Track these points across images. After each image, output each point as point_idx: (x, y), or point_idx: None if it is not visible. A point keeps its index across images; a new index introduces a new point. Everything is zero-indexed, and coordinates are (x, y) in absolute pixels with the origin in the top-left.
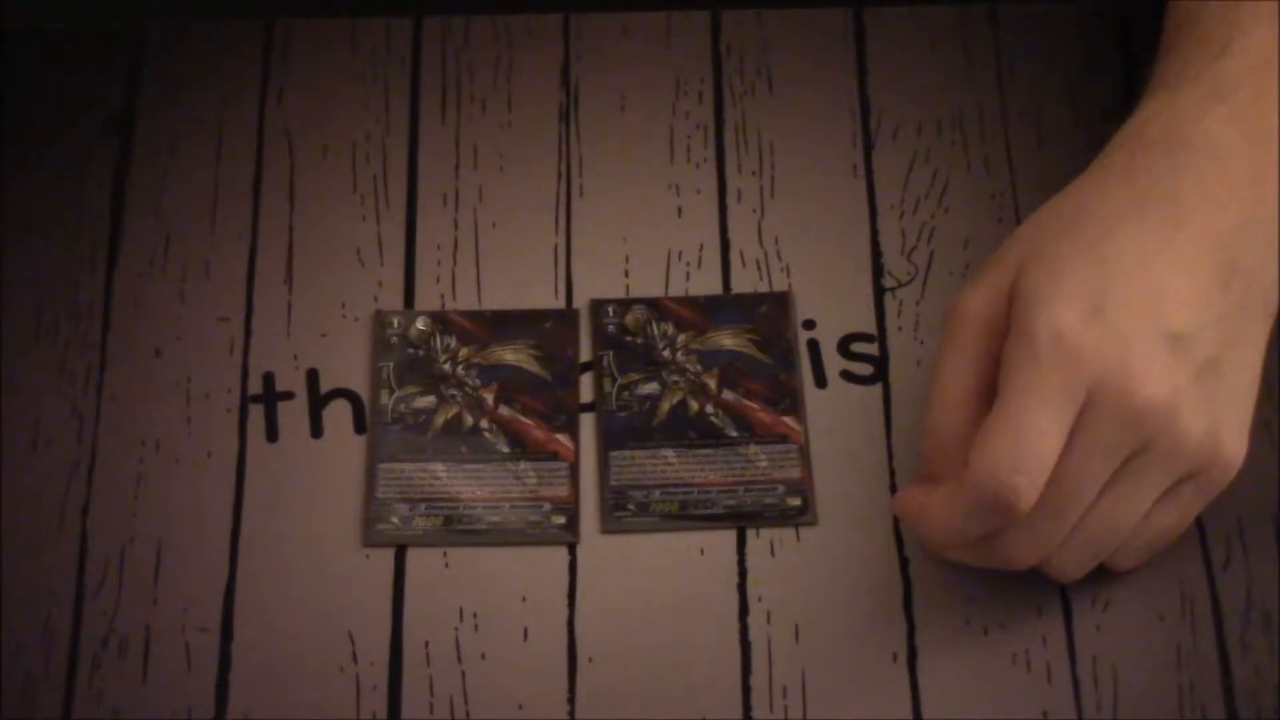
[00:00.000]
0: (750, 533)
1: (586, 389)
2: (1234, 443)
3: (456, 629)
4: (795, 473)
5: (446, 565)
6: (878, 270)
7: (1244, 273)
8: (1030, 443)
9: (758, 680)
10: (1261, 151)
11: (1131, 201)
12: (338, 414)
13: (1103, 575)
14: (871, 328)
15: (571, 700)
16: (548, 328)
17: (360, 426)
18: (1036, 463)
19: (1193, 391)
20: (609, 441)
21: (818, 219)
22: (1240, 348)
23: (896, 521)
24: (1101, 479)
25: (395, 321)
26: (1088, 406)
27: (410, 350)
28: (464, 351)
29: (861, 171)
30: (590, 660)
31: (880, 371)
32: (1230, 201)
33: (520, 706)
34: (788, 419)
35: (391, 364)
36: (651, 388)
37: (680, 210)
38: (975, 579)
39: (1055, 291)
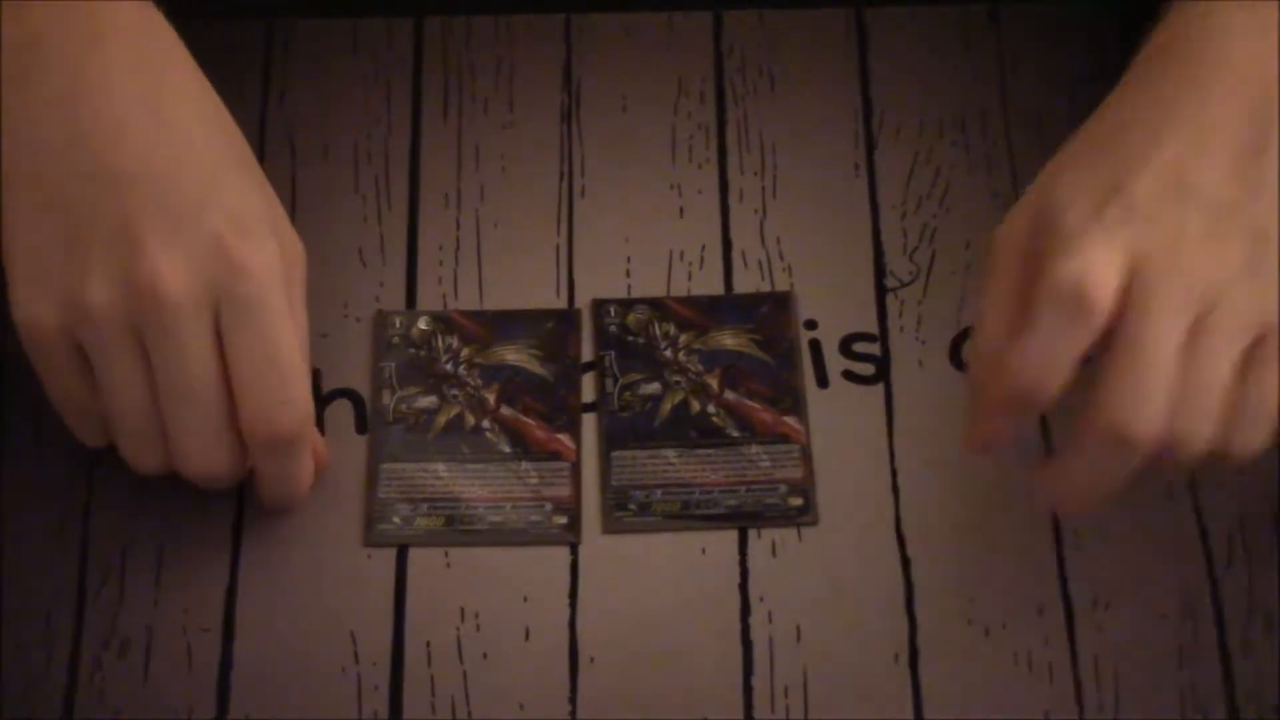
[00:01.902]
0: (752, 533)
1: (588, 389)
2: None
3: (458, 629)
4: (797, 473)
5: (448, 565)
6: (879, 270)
7: (1276, 136)
8: (1087, 256)
9: (759, 680)
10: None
11: (1147, 95)
12: (339, 414)
13: (1103, 575)
14: (873, 328)
15: (573, 700)
16: (549, 328)
17: (362, 427)
18: (1097, 268)
19: (1238, 252)
20: (611, 441)
21: (819, 219)
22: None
23: (898, 521)
24: (1174, 335)
25: (397, 321)
26: (1138, 272)
27: (412, 350)
28: (466, 351)
29: (863, 171)
30: (592, 660)
31: (882, 371)
32: (1255, 77)
33: (522, 706)
34: (789, 419)
35: (393, 364)
36: (653, 388)
37: (682, 210)
38: (976, 579)
39: (1074, 188)
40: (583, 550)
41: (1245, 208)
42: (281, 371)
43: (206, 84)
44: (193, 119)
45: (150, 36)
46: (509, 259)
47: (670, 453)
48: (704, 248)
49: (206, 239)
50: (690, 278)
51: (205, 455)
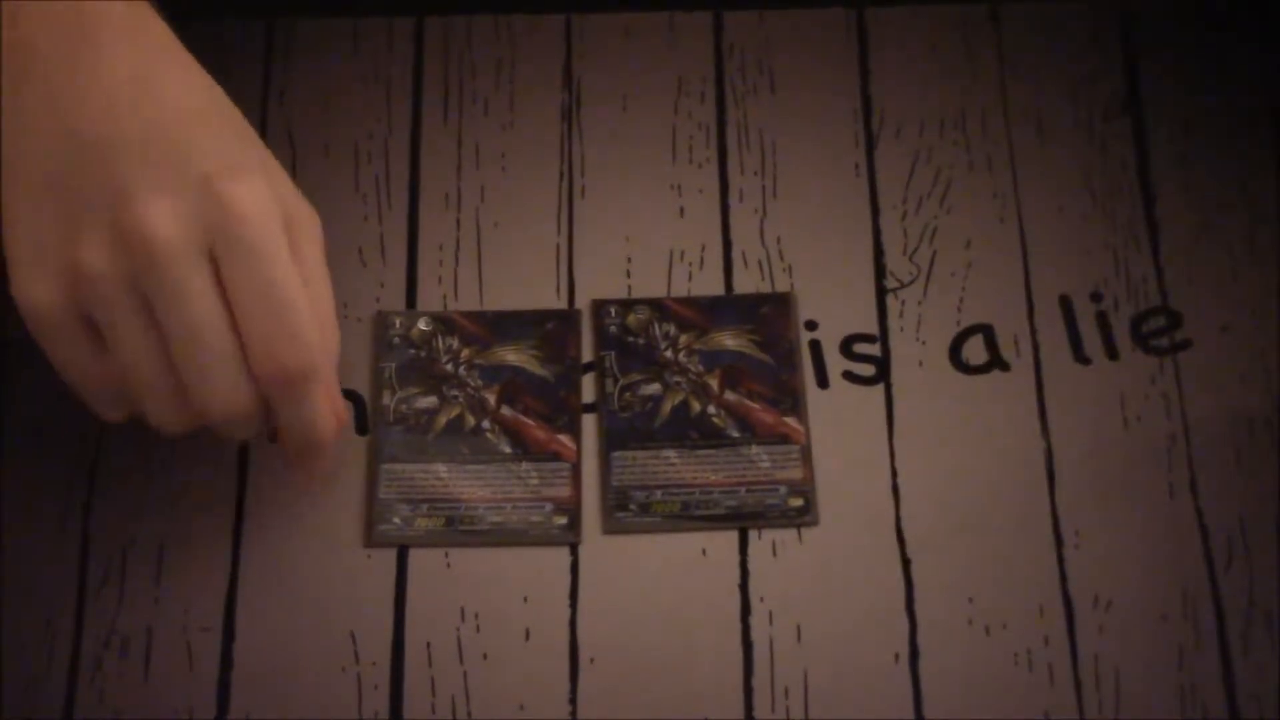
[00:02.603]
0: (752, 533)
1: (588, 389)
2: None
3: (458, 629)
4: (797, 473)
5: (448, 565)
6: (880, 270)
7: None
8: None
9: (760, 680)
10: None
11: None
12: None
13: (1103, 575)
14: (873, 328)
15: (573, 700)
16: (550, 328)
17: (362, 427)
18: None
19: None
20: (611, 442)
21: (820, 219)
22: None
23: (898, 521)
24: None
25: (397, 322)
26: None
27: (412, 351)
28: (466, 352)
29: (863, 171)
30: (592, 660)
31: (882, 372)
32: None
33: (522, 707)
34: (789, 419)
35: (393, 365)
36: (653, 388)
37: (682, 210)
38: (977, 579)
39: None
40: (583, 550)
41: None
42: (282, 307)
43: (204, 73)
44: (183, 92)
45: (142, 31)
46: (509, 259)
47: (670, 453)
48: (704, 248)
49: (195, 181)
50: (690, 278)
51: (224, 398)
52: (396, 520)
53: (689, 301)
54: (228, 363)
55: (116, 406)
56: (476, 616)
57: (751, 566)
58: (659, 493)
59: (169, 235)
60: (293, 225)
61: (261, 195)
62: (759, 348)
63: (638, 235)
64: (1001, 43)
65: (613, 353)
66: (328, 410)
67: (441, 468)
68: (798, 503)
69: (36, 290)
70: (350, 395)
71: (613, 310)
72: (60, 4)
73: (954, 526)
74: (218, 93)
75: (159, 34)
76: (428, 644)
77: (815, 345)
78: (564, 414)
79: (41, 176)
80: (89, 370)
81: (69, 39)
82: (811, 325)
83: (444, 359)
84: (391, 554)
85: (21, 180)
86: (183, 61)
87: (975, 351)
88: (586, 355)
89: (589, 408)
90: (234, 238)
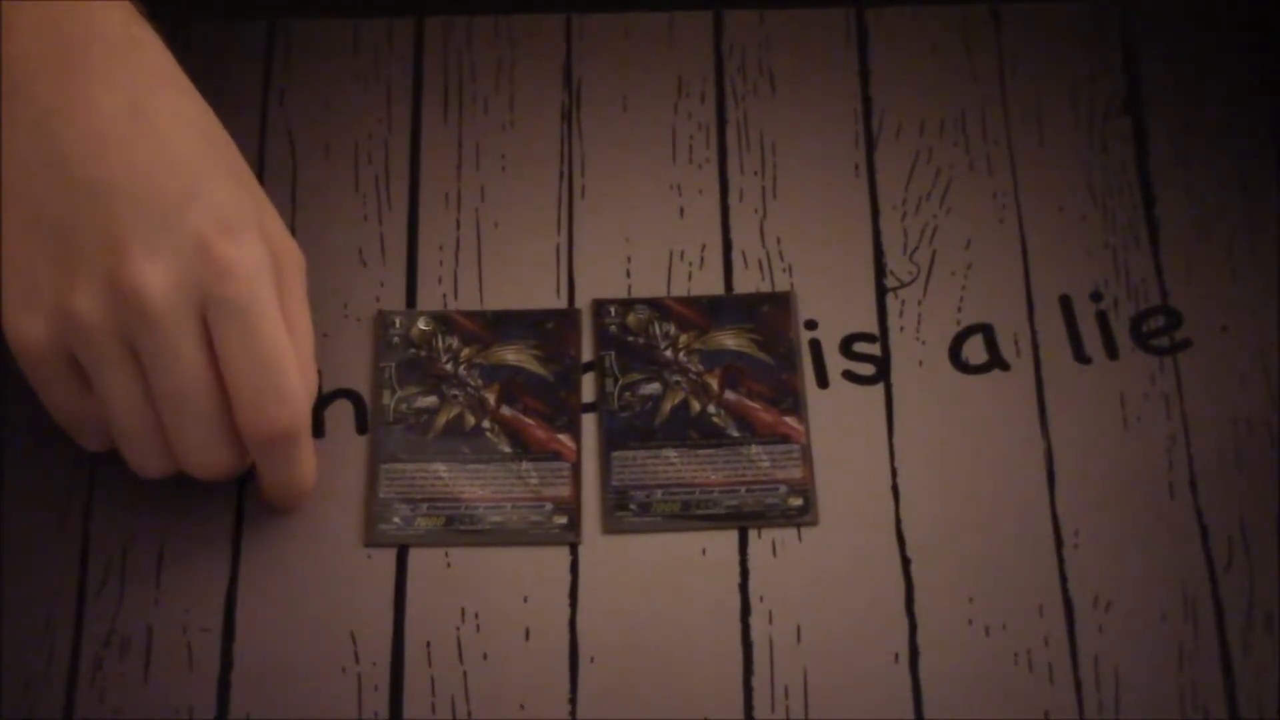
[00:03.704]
0: (752, 533)
1: (588, 389)
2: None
3: (458, 629)
4: (797, 473)
5: (448, 565)
6: (880, 270)
7: None
8: None
9: (759, 680)
10: None
11: None
12: (339, 414)
13: (1103, 575)
14: (873, 328)
15: (573, 700)
16: (549, 328)
17: (362, 427)
18: None
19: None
20: (611, 441)
21: (820, 219)
22: None
23: (898, 521)
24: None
25: (397, 321)
26: None
27: (412, 350)
28: (466, 351)
29: (863, 171)
30: (592, 660)
31: (882, 371)
32: None
33: (522, 706)
34: (789, 419)
35: (393, 364)
36: (653, 388)
37: (682, 210)
38: (977, 578)
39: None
40: (583, 550)
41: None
42: (272, 369)
43: (196, 96)
44: (176, 127)
45: (135, 50)
46: (509, 259)
47: (670, 453)
48: (704, 247)
49: (189, 240)
50: (690, 278)
51: (205, 455)
52: (396, 520)
53: (689, 301)
54: (211, 423)
55: (97, 441)
56: (476, 616)
57: (751, 566)
58: (659, 492)
59: (162, 294)
60: (280, 268)
61: (255, 256)
62: (759, 347)
63: (638, 235)
64: (1001, 43)
65: (612, 352)
66: (311, 462)
67: (441, 467)
68: (797, 502)
69: (25, 325)
70: (350, 395)
71: (613, 310)
72: (52, 19)
73: (954, 526)
74: (210, 119)
75: (152, 52)
76: (427, 644)
77: (815, 345)
78: (564, 413)
79: (32, 209)
80: (71, 406)
81: (60, 59)
82: (811, 325)
83: (444, 358)
84: (391, 554)
85: (11, 209)
86: (176, 85)
87: (975, 351)
88: (586, 355)
89: (589, 407)
90: (225, 302)
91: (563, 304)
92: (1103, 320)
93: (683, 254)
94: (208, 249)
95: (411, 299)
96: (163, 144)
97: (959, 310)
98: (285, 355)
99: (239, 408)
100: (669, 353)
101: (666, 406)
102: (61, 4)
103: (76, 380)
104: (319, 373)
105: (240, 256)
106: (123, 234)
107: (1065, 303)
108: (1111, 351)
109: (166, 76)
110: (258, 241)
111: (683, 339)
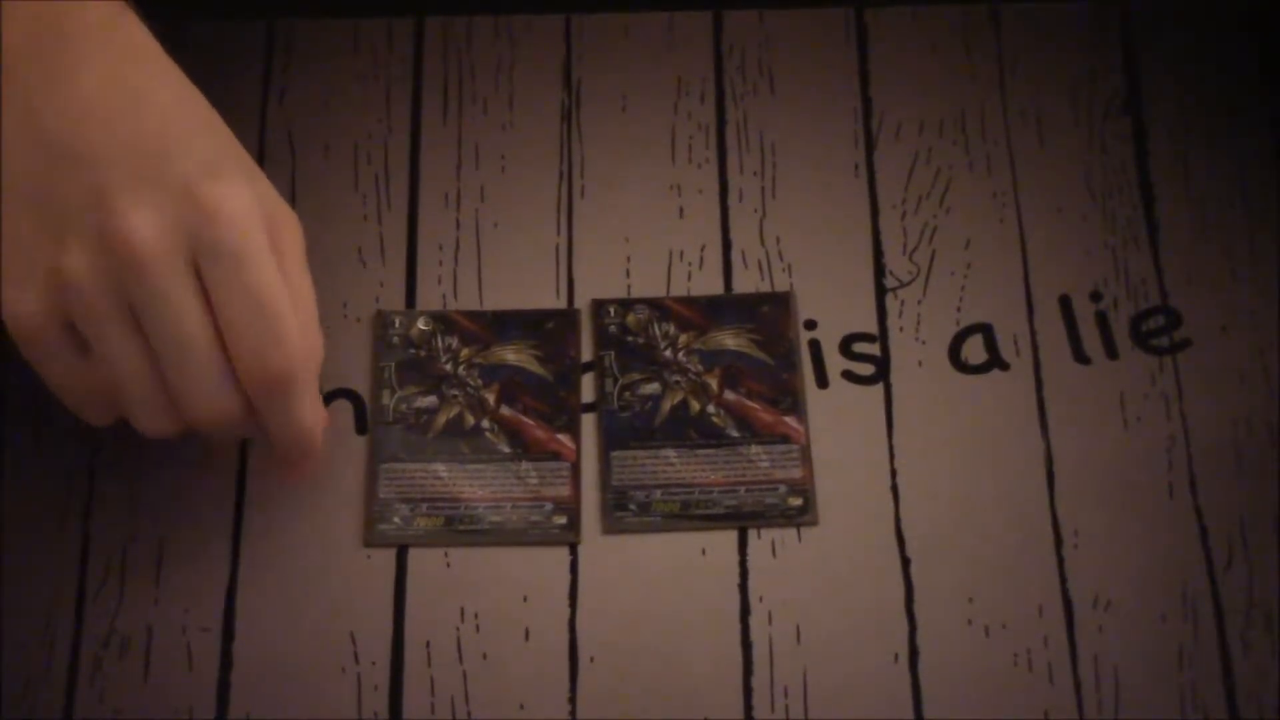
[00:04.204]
0: (751, 533)
1: (588, 389)
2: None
3: (458, 629)
4: (796, 473)
5: (448, 565)
6: (879, 270)
7: None
8: None
9: (759, 680)
10: None
11: None
12: (339, 414)
13: (1103, 575)
14: (873, 327)
15: (573, 700)
16: (549, 328)
17: (362, 427)
18: None
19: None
20: (610, 441)
21: (819, 219)
22: None
23: (898, 521)
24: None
25: (397, 321)
26: None
27: (412, 350)
28: (465, 351)
29: (863, 171)
30: (591, 660)
31: (882, 371)
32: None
33: (521, 706)
34: (789, 419)
35: (393, 364)
36: (653, 388)
37: (682, 210)
38: (977, 578)
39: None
40: (582, 550)
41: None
42: (265, 311)
43: (181, 76)
44: (157, 95)
45: (120, 34)
46: (509, 259)
47: (670, 453)
48: (704, 248)
49: (175, 186)
50: (690, 278)
51: (210, 404)
52: (396, 520)
53: (688, 301)
54: (213, 370)
55: (102, 413)
56: (476, 616)
57: (751, 566)
58: (658, 492)
59: (151, 241)
60: (275, 228)
61: (242, 197)
62: (758, 347)
63: (637, 235)
64: (1001, 43)
65: (612, 352)
66: (315, 410)
67: (441, 467)
68: (797, 502)
69: (19, 299)
70: (349, 395)
71: (612, 310)
72: (43, 14)
73: (953, 526)
74: (195, 95)
75: (136, 37)
76: (427, 644)
77: (815, 345)
78: (563, 413)
79: (22, 186)
80: (74, 378)
81: (46, 42)
82: (811, 325)
83: (443, 358)
84: (391, 554)
85: (8, 191)
86: (160, 65)
87: (975, 351)
88: (586, 355)
89: (588, 407)
90: (215, 242)
91: (562, 304)
92: (1102, 320)
93: (682, 254)
94: (193, 192)
95: (411, 299)
96: (142, 110)
97: (958, 310)
98: (279, 296)
99: (235, 353)
100: (668, 353)
101: (666, 406)
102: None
103: (76, 350)
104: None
105: (228, 197)
106: (108, 189)
107: (1065, 303)
108: (1111, 351)
109: (151, 57)
110: (244, 185)
111: (682, 339)
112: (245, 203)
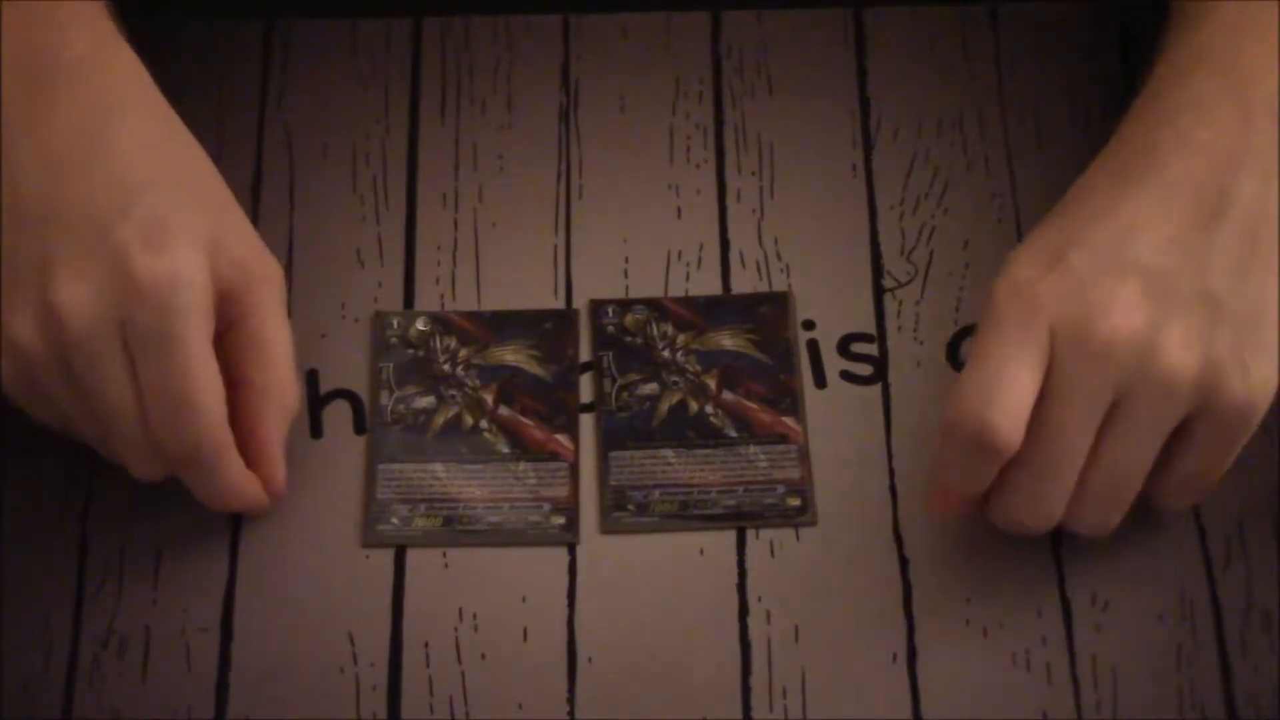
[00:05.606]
0: (750, 533)
1: (586, 389)
2: (1243, 378)
3: (456, 629)
4: (795, 473)
5: (446, 566)
6: (877, 270)
7: (1240, 204)
8: (998, 379)
9: (757, 680)
10: (1248, 93)
11: (1109, 163)
12: (337, 414)
13: (1103, 575)
14: (871, 328)
15: (571, 700)
16: (547, 328)
17: (360, 427)
18: (1007, 396)
19: (1176, 324)
20: (609, 442)
21: (817, 219)
22: (1249, 279)
23: (896, 521)
24: (1089, 425)
25: (395, 322)
26: (1056, 350)
27: (410, 351)
28: (464, 352)
29: (861, 172)
30: (590, 660)
31: (880, 372)
32: (1213, 142)
33: (520, 706)
34: (787, 419)
35: (391, 364)
36: (651, 388)
37: (680, 211)
38: (975, 579)
39: (1018, 253)
40: (581, 551)
41: (1183, 276)
42: (178, 395)
43: (164, 116)
44: (129, 148)
45: (101, 72)
46: (507, 259)
47: (668, 453)
48: (702, 248)
49: (110, 258)
50: (688, 278)
51: (140, 468)
52: (394, 520)
53: (687, 301)
54: (136, 439)
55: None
56: (474, 617)
57: (749, 566)
58: (657, 492)
59: (83, 323)
60: (241, 286)
61: (178, 272)
62: (757, 347)
63: (635, 235)
64: (1000, 43)
65: (610, 352)
66: (236, 484)
67: (439, 468)
68: (795, 502)
69: None
70: (348, 395)
71: (610, 310)
72: (26, 40)
73: (953, 527)
74: (176, 139)
75: (118, 72)
76: (425, 644)
77: (813, 345)
78: (562, 414)
79: None
80: (53, 420)
81: (30, 79)
82: (809, 325)
83: (442, 359)
84: (389, 554)
85: None
86: (139, 106)
87: None
88: (584, 355)
89: (587, 407)
90: (139, 323)
91: (560, 304)
92: None
93: (680, 254)
94: (124, 267)
95: (409, 299)
96: (110, 164)
97: (957, 310)
98: (192, 379)
99: (153, 425)
100: (667, 353)
101: (664, 407)
102: (36, 21)
103: (45, 397)
104: (315, 371)
105: (159, 273)
106: (53, 258)
107: None
108: None
109: (130, 98)
110: (188, 254)
111: (680, 339)
112: (183, 277)
